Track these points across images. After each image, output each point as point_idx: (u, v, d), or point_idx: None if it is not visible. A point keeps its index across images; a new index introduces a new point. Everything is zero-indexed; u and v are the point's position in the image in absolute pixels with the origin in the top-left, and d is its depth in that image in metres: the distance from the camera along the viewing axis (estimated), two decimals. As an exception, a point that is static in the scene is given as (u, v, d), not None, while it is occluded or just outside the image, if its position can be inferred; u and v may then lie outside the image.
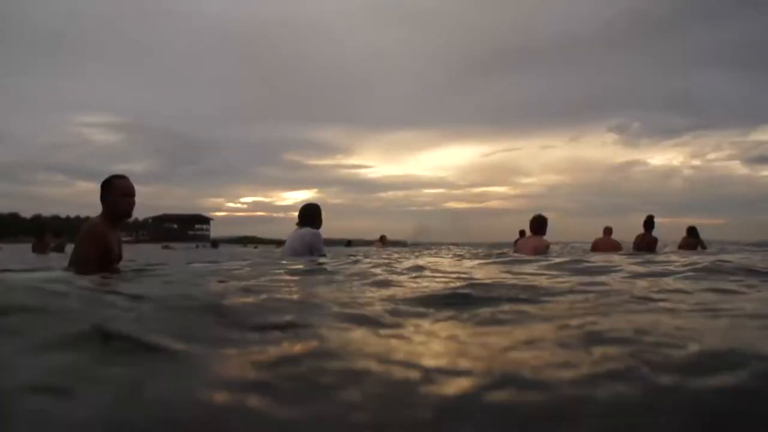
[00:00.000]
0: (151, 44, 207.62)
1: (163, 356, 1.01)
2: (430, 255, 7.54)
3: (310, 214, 5.24)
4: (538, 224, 6.70)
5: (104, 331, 1.12)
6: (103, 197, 3.54)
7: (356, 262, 4.43)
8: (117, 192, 3.54)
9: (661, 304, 1.75)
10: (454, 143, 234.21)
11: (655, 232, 8.70)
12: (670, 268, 3.46)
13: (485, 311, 1.56)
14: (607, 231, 8.80)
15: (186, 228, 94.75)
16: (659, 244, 8.85)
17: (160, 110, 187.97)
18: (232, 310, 1.55)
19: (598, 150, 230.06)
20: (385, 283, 2.41)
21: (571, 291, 2.05)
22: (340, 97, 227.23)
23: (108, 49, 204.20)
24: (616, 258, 5.03)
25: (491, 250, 9.30)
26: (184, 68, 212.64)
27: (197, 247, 32.15)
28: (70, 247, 3.84)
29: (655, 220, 8.74)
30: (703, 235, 9.81)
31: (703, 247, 9.38)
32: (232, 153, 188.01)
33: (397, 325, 1.37)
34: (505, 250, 8.54)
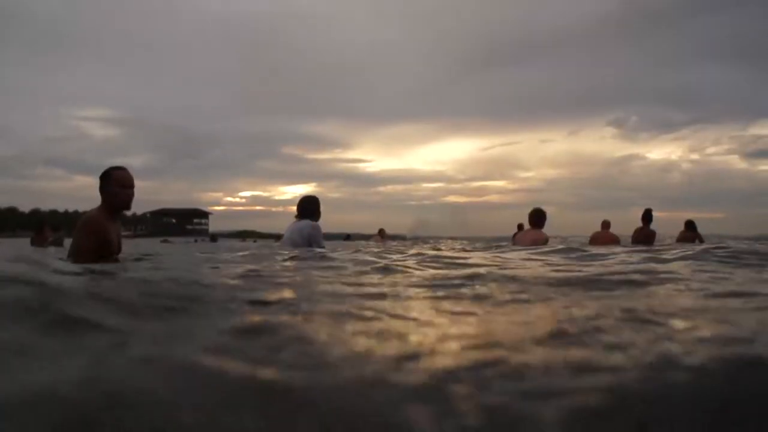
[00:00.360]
0: (150, 38, 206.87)
1: (104, 332, 0.97)
2: (429, 247, 7.55)
3: (309, 207, 5.23)
4: (537, 217, 6.70)
5: (55, 307, 1.08)
6: (102, 188, 3.53)
7: (356, 251, 4.45)
8: (116, 183, 3.53)
9: (654, 285, 1.76)
10: (453, 137, 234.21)
11: (653, 226, 8.73)
12: (665, 256, 3.48)
13: (481, 291, 1.57)
14: (605, 225, 8.82)
15: (184, 222, 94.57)
16: (657, 238, 8.87)
17: (159, 105, 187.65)
18: (216, 289, 1.53)
19: (597, 144, 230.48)
20: (383, 268, 2.41)
21: (568, 275, 2.05)
22: (338, 91, 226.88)
23: (107, 44, 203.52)
24: (613, 249, 5.05)
25: (490, 244, 9.31)
26: (183, 62, 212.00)
27: (196, 241, 32.14)
28: (68, 242, 3.83)
29: (654, 214, 8.76)
30: (702, 230, 9.83)
31: (701, 241, 9.38)
32: (231, 147, 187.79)
33: (389, 302, 1.37)
34: (503, 244, 8.55)
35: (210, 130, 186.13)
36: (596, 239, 8.49)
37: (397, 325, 1.11)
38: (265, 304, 1.31)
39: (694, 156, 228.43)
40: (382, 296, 1.50)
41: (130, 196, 3.60)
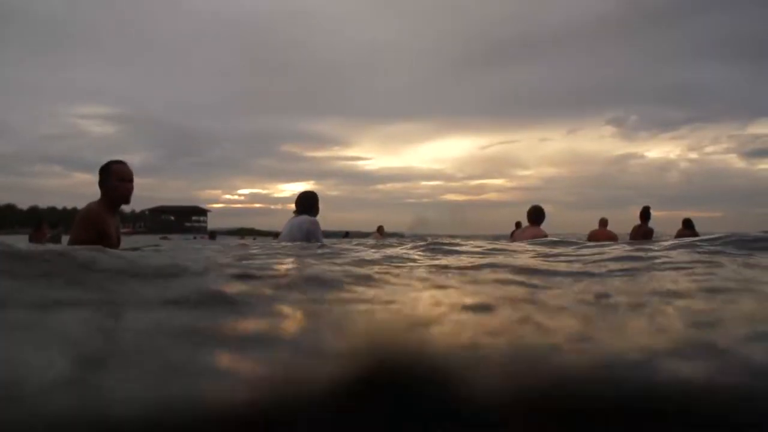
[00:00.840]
0: (149, 35, 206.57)
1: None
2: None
3: (307, 202, 5.22)
4: (536, 214, 6.71)
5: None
6: (102, 182, 3.52)
7: (356, 244, 4.47)
8: (115, 177, 3.52)
9: (645, 270, 1.78)
10: (452, 135, 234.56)
11: (651, 225, 8.74)
12: (656, 247, 3.49)
13: (476, 275, 1.58)
14: (603, 222, 8.85)
15: (183, 220, 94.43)
16: (655, 236, 8.88)
17: (157, 102, 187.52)
18: (201, 267, 1.52)
19: (596, 143, 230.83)
20: (378, 257, 2.39)
21: (566, 264, 2.07)
22: (337, 89, 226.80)
23: (105, 41, 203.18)
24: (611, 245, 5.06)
25: (488, 241, 9.30)
26: (181, 60, 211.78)
27: (194, 238, 32.14)
28: (67, 239, 3.83)
29: (652, 212, 8.78)
30: (700, 228, 9.83)
31: (699, 239, 9.39)
32: (230, 145, 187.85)
33: (380, 283, 1.38)
34: (502, 242, 8.56)
35: (209, 127, 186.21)
36: (594, 237, 8.49)
37: (375, 292, 1.12)
38: (249, 277, 1.32)
39: (693, 155, 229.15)
40: (372, 275, 1.51)
41: (130, 189, 3.59)
